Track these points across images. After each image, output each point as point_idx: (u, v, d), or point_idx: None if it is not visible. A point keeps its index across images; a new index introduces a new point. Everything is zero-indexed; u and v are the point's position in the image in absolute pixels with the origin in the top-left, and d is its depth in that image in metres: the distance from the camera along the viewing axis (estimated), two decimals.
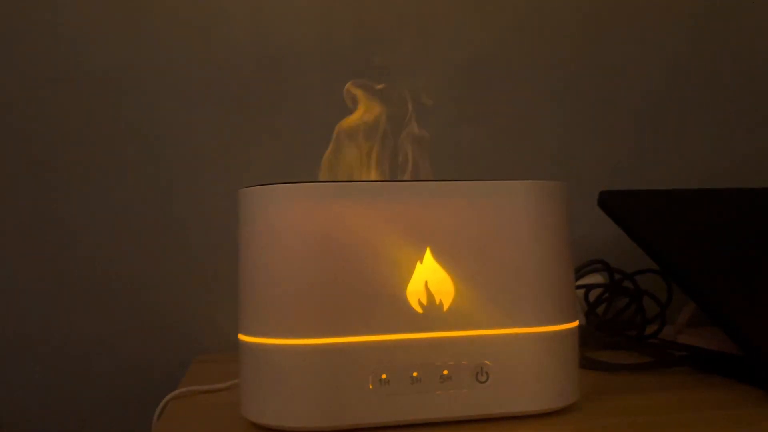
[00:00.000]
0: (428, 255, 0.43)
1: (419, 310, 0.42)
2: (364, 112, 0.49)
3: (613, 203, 0.63)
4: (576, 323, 0.46)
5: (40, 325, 0.69)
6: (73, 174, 0.70)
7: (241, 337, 0.44)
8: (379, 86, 0.51)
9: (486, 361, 0.43)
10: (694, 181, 0.81)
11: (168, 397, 0.51)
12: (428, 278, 0.42)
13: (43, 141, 0.70)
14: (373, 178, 0.49)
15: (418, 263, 0.42)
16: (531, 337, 0.43)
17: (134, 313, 0.71)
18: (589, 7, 0.81)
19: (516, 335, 0.43)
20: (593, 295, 0.68)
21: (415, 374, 0.42)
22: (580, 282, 0.69)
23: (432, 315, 0.42)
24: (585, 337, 0.65)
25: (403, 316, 0.42)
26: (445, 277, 0.43)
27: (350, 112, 0.51)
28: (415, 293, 0.42)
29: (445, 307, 0.43)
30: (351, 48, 0.74)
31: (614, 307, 0.68)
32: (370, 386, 0.41)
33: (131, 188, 0.71)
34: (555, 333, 0.44)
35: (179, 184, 0.72)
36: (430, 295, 0.42)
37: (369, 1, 0.76)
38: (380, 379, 0.42)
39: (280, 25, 0.74)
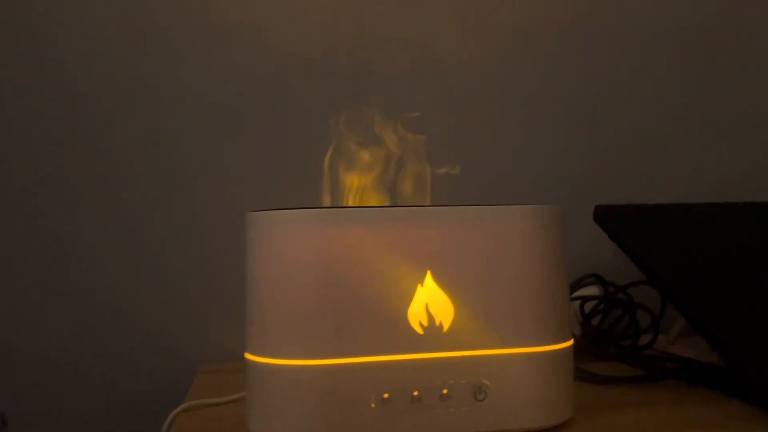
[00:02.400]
0: (429, 278, 0.44)
1: (420, 331, 0.44)
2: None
3: (608, 218, 0.65)
4: (571, 342, 0.48)
5: (44, 336, 0.71)
6: (77, 190, 0.72)
7: (248, 356, 0.45)
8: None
9: (484, 381, 0.44)
10: (690, 196, 0.82)
11: (176, 411, 0.52)
12: (429, 300, 0.44)
13: (46, 158, 0.71)
14: (375, 203, 0.51)
15: (419, 286, 0.44)
16: (527, 356, 0.45)
17: (137, 326, 0.72)
18: (582, 20, 0.82)
19: (513, 355, 0.45)
20: (588, 306, 0.70)
21: (415, 393, 0.44)
22: (576, 294, 0.71)
23: (432, 336, 0.44)
24: (579, 348, 0.67)
25: (405, 337, 0.44)
26: (445, 299, 0.44)
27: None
28: (416, 315, 0.44)
29: (445, 328, 0.44)
30: (353, 64, 0.76)
31: (609, 318, 0.69)
32: (373, 405, 0.43)
33: (135, 202, 0.73)
34: (551, 352, 0.46)
35: (185, 201, 0.73)
36: (430, 317, 0.44)
37: (371, 18, 0.77)
38: (382, 398, 0.43)
39: (282, 41, 0.75)
